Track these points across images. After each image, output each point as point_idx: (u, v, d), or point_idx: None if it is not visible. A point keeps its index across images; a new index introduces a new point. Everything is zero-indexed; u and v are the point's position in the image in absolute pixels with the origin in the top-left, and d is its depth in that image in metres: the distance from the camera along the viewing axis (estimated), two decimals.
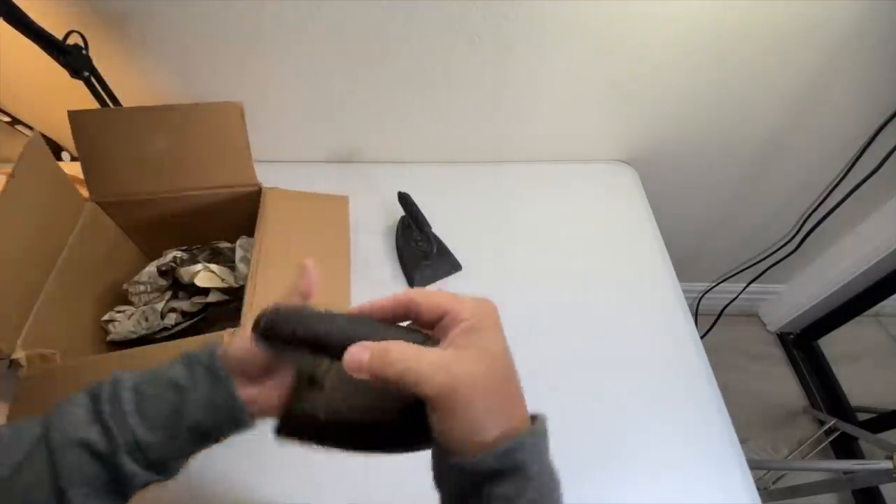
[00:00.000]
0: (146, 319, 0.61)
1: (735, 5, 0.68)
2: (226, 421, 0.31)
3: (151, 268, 0.63)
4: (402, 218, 0.81)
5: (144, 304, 0.62)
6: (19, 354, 0.45)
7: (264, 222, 0.59)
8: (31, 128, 0.79)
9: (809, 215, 1.09)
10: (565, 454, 0.63)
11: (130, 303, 0.64)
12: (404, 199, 0.74)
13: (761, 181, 1.02)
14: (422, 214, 0.72)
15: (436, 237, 0.75)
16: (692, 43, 0.74)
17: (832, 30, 0.72)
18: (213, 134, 0.60)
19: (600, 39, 0.73)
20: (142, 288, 0.63)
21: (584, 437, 0.62)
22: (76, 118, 0.57)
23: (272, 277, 0.53)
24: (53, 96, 0.73)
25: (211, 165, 0.61)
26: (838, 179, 0.99)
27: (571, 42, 0.73)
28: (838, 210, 1.02)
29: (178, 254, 0.65)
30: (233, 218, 0.64)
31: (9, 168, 0.48)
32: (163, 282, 0.63)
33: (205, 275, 0.60)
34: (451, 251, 0.78)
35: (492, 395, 0.26)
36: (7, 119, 0.77)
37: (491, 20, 0.70)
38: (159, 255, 0.66)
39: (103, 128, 0.58)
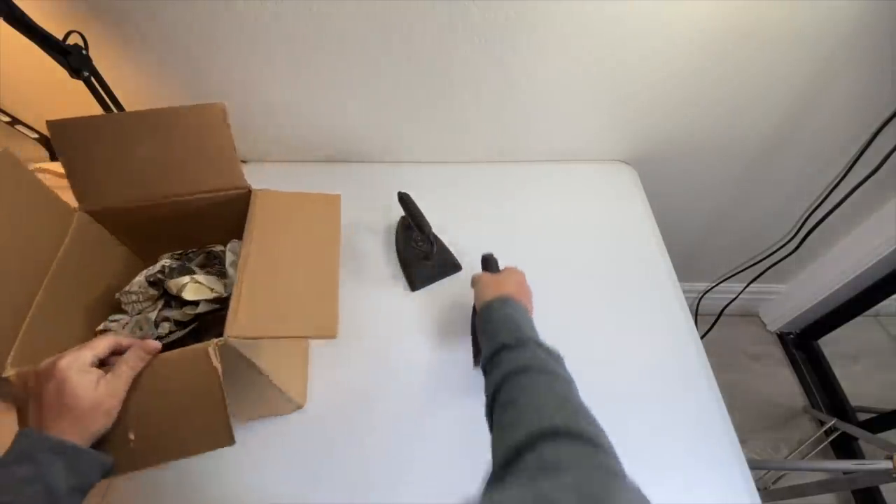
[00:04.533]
0: (140, 328, 0.60)
1: (735, 6, 0.68)
2: (98, 476, 0.39)
3: (140, 278, 0.62)
4: (402, 218, 0.81)
5: (137, 314, 0.62)
6: (9, 373, 0.45)
7: (252, 225, 0.57)
8: (31, 128, 0.79)
9: (809, 215, 1.09)
10: None
11: (124, 311, 0.63)
12: (404, 199, 0.74)
13: (761, 181, 1.02)
14: (422, 214, 0.72)
15: (436, 237, 0.75)
16: (692, 43, 0.74)
17: (832, 30, 0.72)
18: (197, 137, 0.58)
19: (600, 40, 0.73)
20: (133, 297, 0.62)
21: None
22: (55, 128, 0.54)
23: (258, 282, 0.52)
24: (53, 96, 0.74)
25: (197, 169, 0.59)
26: (838, 179, 0.99)
27: (572, 43, 0.73)
28: (838, 210, 1.02)
29: (168, 262, 0.63)
30: (225, 220, 0.62)
31: None
32: (153, 291, 0.62)
33: (192, 287, 0.59)
34: (451, 251, 0.78)
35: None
36: (7, 119, 0.77)
37: (491, 20, 0.70)
38: (154, 259, 0.65)
39: (84, 136, 0.56)
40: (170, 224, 0.63)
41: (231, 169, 0.60)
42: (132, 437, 0.43)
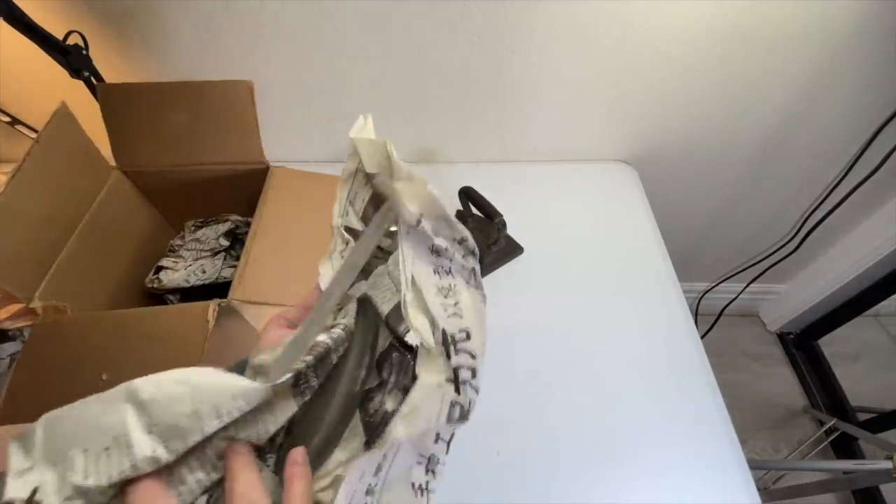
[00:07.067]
0: (203, 272, 0.67)
1: (735, 6, 0.68)
2: None
3: (209, 230, 0.71)
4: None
5: (195, 261, 0.69)
6: (36, 304, 0.50)
7: (266, 200, 0.62)
8: (31, 128, 0.79)
9: (809, 215, 1.09)
10: (565, 454, 0.63)
11: (171, 256, 0.69)
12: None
13: (761, 181, 1.02)
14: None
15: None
16: (692, 43, 0.74)
17: (832, 30, 0.72)
18: (225, 111, 0.63)
19: (601, 40, 0.73)
20: (198, 245, 0.70)
21: (584, 436, 0.62)
22: (105, 90, 0.61)
23: (267, 248, 0.56)
24: (53, 96, 0.73)
25: (222, 141, 0.64)
26: (838, 179, 0.99)
27: (571, 43, 0.73)
28: (838, 210, 1.02)
29: (238, 218, 0.71)
30: (245, 192, 0.67)
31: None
32: (225, 242, 0.70)
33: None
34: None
35: None
36: (7, 119, 0.77)
37: (491, 21, 0.70)
38: (179, 221, 0.73)
39: (128, 100, 0.62)
40: (193, 191, 0.69)
41: (252, 144, 0.65)
42: (105, 377, 0.46)
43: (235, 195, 0.68)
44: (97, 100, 0.68)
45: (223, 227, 0.71)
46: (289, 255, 0.56)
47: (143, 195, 0.69)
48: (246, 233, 0.67)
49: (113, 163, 0.64)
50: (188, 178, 0.66)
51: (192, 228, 0.73)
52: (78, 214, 0.58)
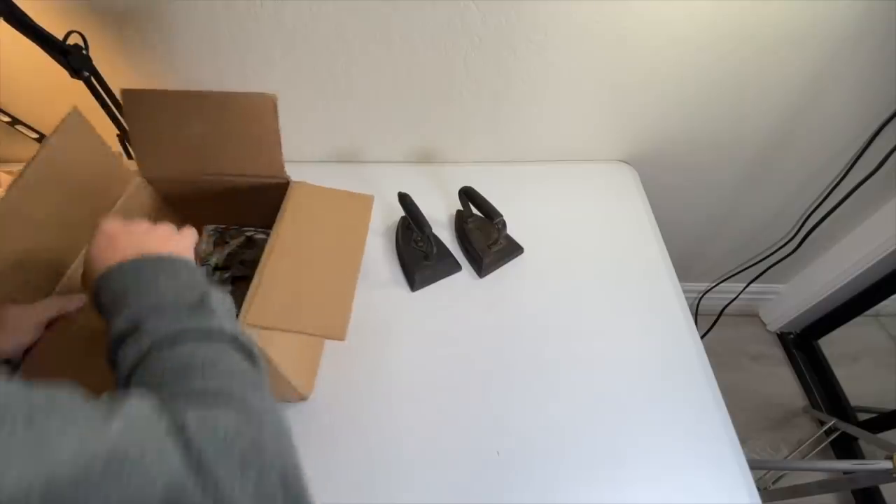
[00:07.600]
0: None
1: (735, 6, 0.68)
2: None
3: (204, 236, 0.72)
4: (402, 218, 0.81)
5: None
6: None
7: (283, 216, 0.60)
8: (31, 128, 0.79)
9: (809, 215, 1.09)
10: (565, 453, 0.63)
11: None
12: (404, 199, 0.74)
13: (761, 181, 1.02)
14: (422, 215, 0.72)
15: (436, 237, 0.75)
16: (692, 43, 0.74)
17: (832, 30, 0.72)
18: (246, 123, 0.61)
19: (600, 40, 0.73)
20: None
21: (584, 436, 0.62)
22: (129, 96, 0.60)
23: (281, 268, 0.55)
24: (53, 96, 0.73)
25: (243, 153, 0.63)
26: (838, 179, 0.99)
27: (572, 43, 0.73)
28: (838, 210, 1.02)
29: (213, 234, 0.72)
30: (267, 206, 0.65)
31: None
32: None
33: None
34: (451, 252, 0.78)
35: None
36: (7, 119, 0.77)
37: (491, 21, 0.70)
38: (198, 227, 0.73)
39: (150, 107, 0.61)
40: (213, 200, 0.67)
41: (274, 158, 0.63)
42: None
43: (255, 207, 0.67)
44: (97, 100, 0.68)
45: (237, 241, 0.71)
46: (302, 275, 0.55)
47: (163, 203, 0.69)
48: (264, 240, 0.67)
49: (133, 167, 0.64)
50: (207, 188, 0.66)
51: (212, 233, 0.73)
52: (95, 220, 0.58)
